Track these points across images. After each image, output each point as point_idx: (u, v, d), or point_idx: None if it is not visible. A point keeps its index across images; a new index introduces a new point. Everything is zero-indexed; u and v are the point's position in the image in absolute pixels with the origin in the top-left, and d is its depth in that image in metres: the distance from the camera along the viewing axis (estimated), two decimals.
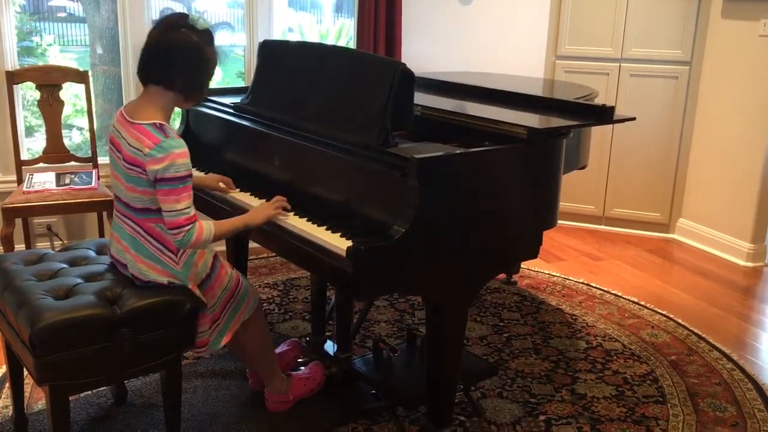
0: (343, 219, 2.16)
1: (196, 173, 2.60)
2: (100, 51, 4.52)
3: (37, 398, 2.61)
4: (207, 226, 2.14)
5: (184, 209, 2.07)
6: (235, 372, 2.78)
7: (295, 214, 2.26)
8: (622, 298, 3.76)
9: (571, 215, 4.86)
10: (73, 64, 4.10)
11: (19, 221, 3.47)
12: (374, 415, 2.57)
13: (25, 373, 2.34)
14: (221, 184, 2.53)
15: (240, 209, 2.40)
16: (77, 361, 1.99)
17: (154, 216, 2.14)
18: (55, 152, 3.67)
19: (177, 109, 2.54)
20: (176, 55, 2.09)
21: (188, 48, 2.09)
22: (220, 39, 6.03)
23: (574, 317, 3.50)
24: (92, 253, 2.44)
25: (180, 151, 2.05)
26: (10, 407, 2.46)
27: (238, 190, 2.53)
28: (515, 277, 3.92)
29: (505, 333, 3.29)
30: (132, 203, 2.14)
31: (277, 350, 2.68)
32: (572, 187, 4.45)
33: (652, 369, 3.02)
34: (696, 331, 3.38)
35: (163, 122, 2.09)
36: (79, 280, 2.21)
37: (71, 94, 4.70)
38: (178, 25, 2.10)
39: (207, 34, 2.15)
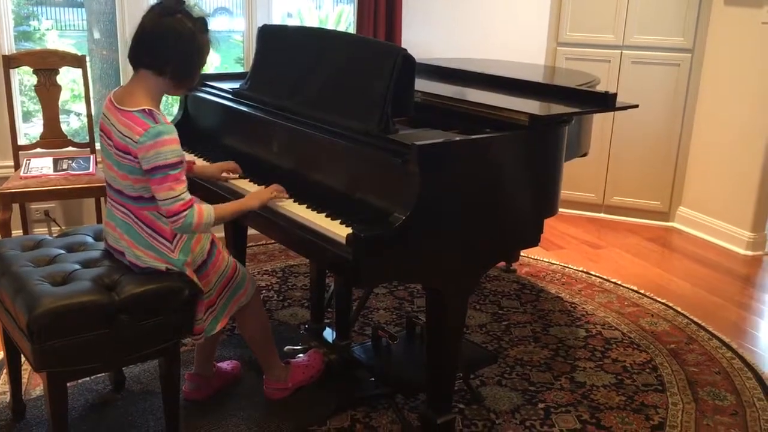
0: (343, 206, 2.14)
1: (199, 162, 2.58)
2: (97, 35, 4.49)
3: (34, 384, 2.61)
4: (207, 208, 2.12)
5: (179, 195, 2.04)
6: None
7: (294, 201, 2.25)
8: (622, 286, 3.75)
9: (571, 203, 4.85)
10: (71, 49, 4.07)
11: (16, 207, 3.45)
12: (373, 403, 2.57)
13: (23, 359, 2.32)
14: (224, 174, 2.50)
15: (241, 196, 2.38)
16: (75, 347, 1.98)
17: (147, 204, 2.12)
18: (53, 137, 3.65)
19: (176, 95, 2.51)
20: (169, 41, 2.07)
21: (182, 34, 2.07)
22: (219, 24, 6.00)
23: (573, 305, 3.49)
24: (90, 239, 2.42)
25: (169, 137, 2.03)
26: (8, 393, 2.45)
27: (237, 176, 2.51)
28: (515, 265, 3.91)
29: (504, 321, 3.28)
30: (125, 191, 2.12)
31: (299, 362, 2.64)
32: (572, 175, 4.42)
33: (652, 357, 3.02)
34: (695, 319, 3.38)
35: (152, 108, 2.06)
36: (77, 266, 2.19)
37: (69, 79, 4.67)
38: (174, 11, 2.08)
39: (202, 22, 2.13)
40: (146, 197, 2.11)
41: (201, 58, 2.15)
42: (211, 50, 2.21)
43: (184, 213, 2.05)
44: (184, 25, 2.07)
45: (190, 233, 2.16)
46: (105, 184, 2.22)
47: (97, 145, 3.69)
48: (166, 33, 2.07)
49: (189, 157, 2.68)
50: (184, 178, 2.07)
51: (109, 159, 2.13)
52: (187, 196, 2.07)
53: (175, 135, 2.05)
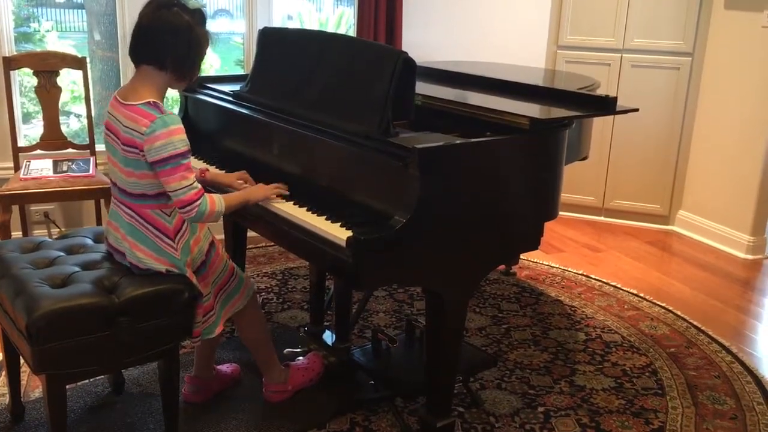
0: (343, 209, 2.14)
1: (213, 170, 2.57)
2: (98, 37, 4.48)
3: (33, 386, 2.60)
4: (217, 197, 2.15)
5: (192, 184, 2.07)
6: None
7: (294, 204, 2.25)
8: (622, 289, 3.75)
9: (571, 206, 4.84)
10: (72, 51, 4.07)
11: (16, 208, 3.45)
12: (373, 406, 2.57)
13: (22, 361, 2.32)
14: (239, 181, 2.49)
15: None
16: (74, 349, 1.98)
17: (151, 202, 2.13)
18: (53, 139, 3.64)
19: (176, 97, 2.51)
20: (167, 34, 2.07)
21: (179, 27, 2.08)
22: (219, 26, 6.00)
23: (573, 309, 3.49)
24: (90, 241, 2.42)
25: (176, 126, 2.04)
26: (7, 395, 2.45)
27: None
28: (514, 269, 3.91)
29: (504, 324, 3.28)
30: (129, 189, 2.12)
31: (298, 365, 2.64)
32: (572, 178, 4.43)
33: (651, 361, 3.01)
34: (695, 323, 3.38)
35: (156, 100, 2.07)
36: (77, 269, 2.19)
37: (69, 80, 4.67)
38: (170, 4, 2.09)
39: (198, 14, 2.14)
40: (150, 195, 2.11)
41: (200, 50, 2.15)
42: (210, 42, 2.22)
43: (198, 201, 2.07)
44: (181, 18, 2.08)
45: (204, 221, 2.16)
46: (110, 184, 2.22)
47: (98, 147, 3.69)
48: (163, 26, 2.08)
49: (200, 164, 2.66)
50: (192, 168, 2.09)
51: (115, 156, 2.13)
52: (198, 184, 2.10)
53: (181, 125, 2.06)
